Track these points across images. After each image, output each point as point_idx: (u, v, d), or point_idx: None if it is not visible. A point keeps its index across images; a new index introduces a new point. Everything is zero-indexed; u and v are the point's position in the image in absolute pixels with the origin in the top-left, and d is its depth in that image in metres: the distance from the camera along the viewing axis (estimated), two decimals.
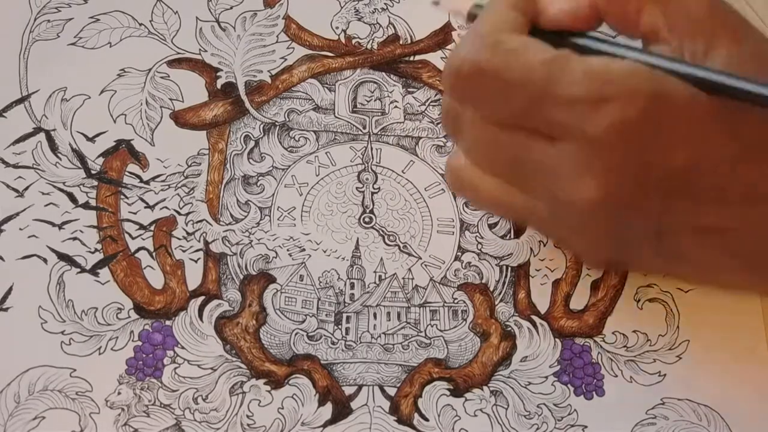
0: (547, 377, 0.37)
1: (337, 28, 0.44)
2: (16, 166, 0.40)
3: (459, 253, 0.40)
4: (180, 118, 0.42)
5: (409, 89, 0.43)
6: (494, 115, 0.34)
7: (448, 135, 0.38)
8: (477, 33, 0.34)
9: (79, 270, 0.38)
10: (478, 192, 0.37)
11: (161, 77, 0.43)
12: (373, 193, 0.41)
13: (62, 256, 0.39)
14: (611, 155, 0.32)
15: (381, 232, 0.40)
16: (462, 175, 0.37)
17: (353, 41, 0.44)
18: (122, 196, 0.40)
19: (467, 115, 0.35)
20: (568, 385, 0.37)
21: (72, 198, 0.40)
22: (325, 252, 0.39)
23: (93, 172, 0.40)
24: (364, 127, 0.42)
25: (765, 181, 0.33)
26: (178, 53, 0.43)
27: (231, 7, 0.44)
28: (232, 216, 0.40)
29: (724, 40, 0.33)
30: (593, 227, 0.34)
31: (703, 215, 0.33)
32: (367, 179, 0.41)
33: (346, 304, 0.38)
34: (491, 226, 0.40)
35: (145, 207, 0.40)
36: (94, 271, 0.38)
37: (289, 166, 0.41)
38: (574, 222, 0.34)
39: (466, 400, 0.37)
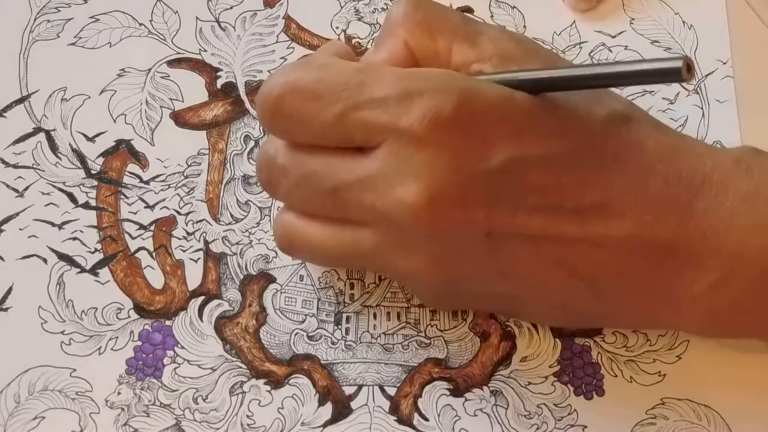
0: (547, 377, 0.37)
1: (337, 28, 0.44)
2: (16, 166, 0.40)
3: None
4: (180, 118, 0.42)
5: None
6: (311, 135, 0.33)
7: (267, 191, 0.36)
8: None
9: (79, 270, 0.38)
10: (310, 243, 0.35)
11: (161, 77, 0.43)
12: None
13: (62, 256, 0.39)
14: (427, 151, 0.31)
15: None
16: (290, 231, 0.35)
17: (353, 41, 0.44)
18: (122, 196, 0.40)
19: (278, 162, 0.34)
20: (568, 385, 0.37)
21: (72, 198, 0.40)
22: None
23: (93, 172, 0.40)
24: None
25: (594, 190, 0.32)
26: (178, 53, 0.43)
27: (231, 7, 0.44)
28: (232, 216, 0.40)
29: (536, 66, 0.33)
30: (420, 242, 0.32)
31: (528, 220, 0.32)
32: None
33: (346, 304, 0.38)
34: None
35: (145, 207, 0.40)
36: (94, 271, 0.38)
37: None
38: (400, 240, 0.33)
39: (466, 400, 0.37)
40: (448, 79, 0.32)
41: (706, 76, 0.43)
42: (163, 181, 0.40)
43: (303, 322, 0.38)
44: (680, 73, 0.28)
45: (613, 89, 0.35)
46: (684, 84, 0.42)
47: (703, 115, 0.42)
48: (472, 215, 0.31)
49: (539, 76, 0.32)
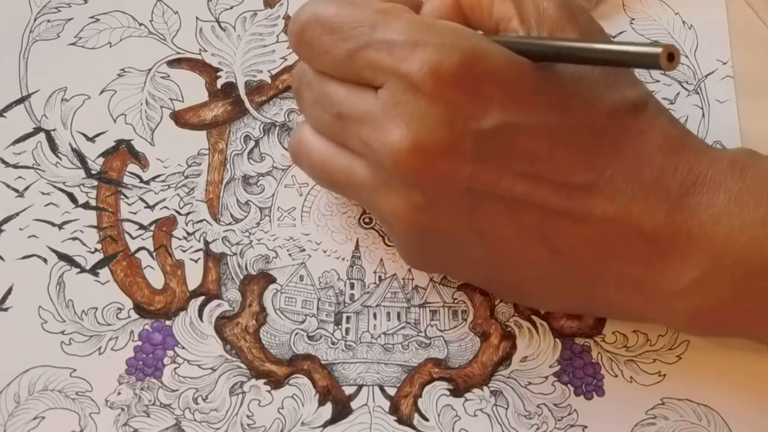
0: (547, 377, 0.37)
1: None
2: (16, 166, 0.40)
3: None
4: (180, 118, 0.42)
5: None
6: (326, 65, 0.35)
7: (295, 99, 0.38)
8: None
9: (79, 270, 0.38)
10: (312, 157, 0.36)
11: (161, 77, 0.43)
12: None
13: (62, 256, 0.39)
14: (422, 101, 0.31)
15: (381, 233, 0.40)
16: (300, 141, 0.37)
17: None
18: (122, 196, 0.40)
19: (308, 76, 0.36)
20: (568, 385, 0.37)
21: (72, 198, 0.40)
22: (325, 252, 0.39)
23: (93, 172, 0.40)
24: None
25: (585, 170, 0.32)
26: (178, 53, 0.43)
27: (231, 7, 0.44)
28: (232, 216, 0.40)
29: (571, 35, 0.34)
30: (401, 185, 0.33)
31: (513, 184, 0.32)
32: None
33: (346, 305, 0.38)
34: None
35: (145, 207, 0.40)
36: (94, 271, 0.38)
37: (289, 167, 0.41)
38: (385, 179, 0.33)
39: (466, 400, 0.37)
40: (457, 36, 0.32)
41: (706, 76, 0.43)
42: (163, 181, 0.40)
43: (303, 322, 0.38)
44: (657, 58, 0.28)
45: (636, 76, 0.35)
46: (684, 84, 0.42)
47: (703, 115, 0.42)
48: (456, 168, 0.32)
49: (528, 46, 0.33)
